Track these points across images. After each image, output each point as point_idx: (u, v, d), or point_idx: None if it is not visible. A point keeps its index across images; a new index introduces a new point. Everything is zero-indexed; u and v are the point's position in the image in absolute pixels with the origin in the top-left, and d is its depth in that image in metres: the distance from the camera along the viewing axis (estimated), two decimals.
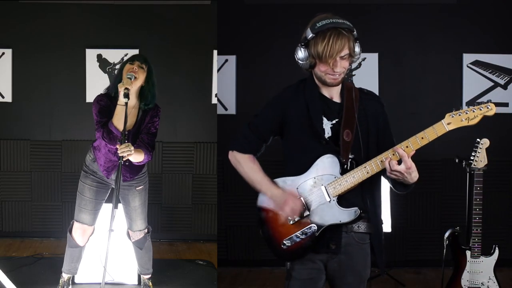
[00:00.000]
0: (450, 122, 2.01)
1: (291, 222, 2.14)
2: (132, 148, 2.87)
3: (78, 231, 3.30)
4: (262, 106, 2.27)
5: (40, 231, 4.87)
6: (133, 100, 3.05)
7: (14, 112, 4.81)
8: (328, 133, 2.13)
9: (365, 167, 2.05)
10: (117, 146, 2.87)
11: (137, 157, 3.01)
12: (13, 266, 3.95)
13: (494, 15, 4.54)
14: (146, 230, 3.42)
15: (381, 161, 2.04)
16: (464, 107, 1.93)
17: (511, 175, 4.58)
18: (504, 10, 4.53)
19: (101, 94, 3.11)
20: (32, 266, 4.06)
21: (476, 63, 4.56)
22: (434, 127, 2.01)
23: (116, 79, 3.06)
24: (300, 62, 2.12)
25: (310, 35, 2.04)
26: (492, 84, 4.56)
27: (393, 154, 2.03)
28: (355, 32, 2.05)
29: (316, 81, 2.16)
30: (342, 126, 2.10)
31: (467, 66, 4.56)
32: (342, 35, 2.01)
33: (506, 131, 4.47)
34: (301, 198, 2.12)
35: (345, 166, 2.09)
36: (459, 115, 2.00)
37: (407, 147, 2.02)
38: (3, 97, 4.79)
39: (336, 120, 2.13)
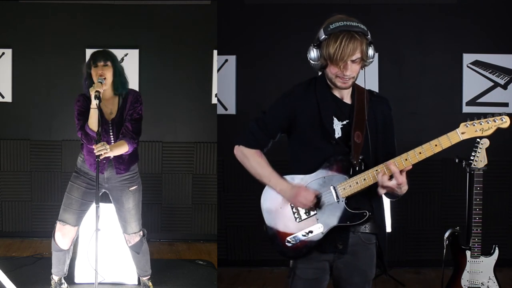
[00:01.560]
0: (464, 132, 2.00)
1: (298, 221, 2.14)
2: (108, 146, 2.93)
3: (59, 233, 3.27)
4: (262, 106, 2.26)
5: (40, 231, 4.86)
6: (109, 92, 3.15)
7: (14, 112, 4.82)
8: (338, 133, 2.12)
9: (376, 170, 2.04)
10: (93, 146, 2.93)
11: (120, 150, 3.09)
12: (13, 266, 3.95)
13: (494, 15, 4.54)
14: (141, 233, 3.41)
15: (393, 165, 2.03)
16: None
17: (511, 175, 4.59)
18: (504, 10, 4.53)
19: (79, 94, 3.19)
20: (32, 266, 4.06)
21: (476, 63, 4.56)
22: (449, 135, 2.01)
23: (86, 81, 3.13)
24: (312, 62, 2.10)
25: (322, 36, 2.02)
26: (492, 84, 4.56)
27: (388, 169, 2.03)
28: (369, 36, 2.03)
29: (328, 81, 2.14)
30: (353, 128, 2.09)
31: (467, 66, 4.56)
32: (354, 38, 1.98)
33: (506, 131, 4.44)
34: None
35: (356, 167, 2.09)
36: (474, 125, 2.00)
37: (420, 153, 2.01)
38: (3, 97, 4.79)
39: (347, 121, 2.13)
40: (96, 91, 2.97)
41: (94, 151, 2.90)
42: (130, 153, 3.19)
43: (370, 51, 2.05)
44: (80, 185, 3.25)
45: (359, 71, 2.08)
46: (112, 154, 3.04)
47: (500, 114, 2.00)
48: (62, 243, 3.30)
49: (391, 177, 2.01)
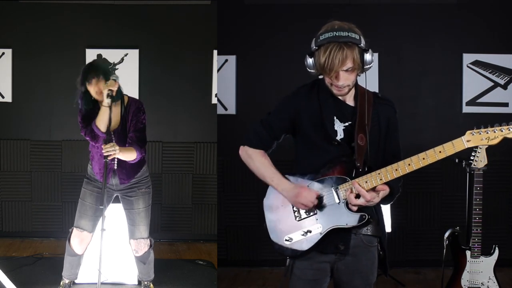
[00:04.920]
0: (469, 140, 1.99)
1: (297, 219, 2.15)
2: (117, 147, 2.91)
3: (76, 240, 3.27)
4: (262, 106, 2.27)
5: (40, 231, 4.87)
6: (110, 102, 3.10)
7: (14, 112, 4.82)
8: (340, 135, 2.12)
9: (378, 174, 2.04)
10: (102, 146, 2.91)
11: (129, 156, 3.06)
12: (13, 266, 3.95)
13: (494, 15, 4.54)
14: (149, 243, 3.39)
15: (396, 170, 2.03)
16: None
17: (511, 175, 4.59)
18: (504, 10, 4.53)
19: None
20: (32, 266, 4.06)
21: (476, 63, 4.56)
22: (453, 143, 1.99)
23: (81, 99, 3.06)
24: (309, 70, 2.11)
25: (314, 47, 2.03)
26: (492, 84, 4.56)
27: (367, 182, 2.04)
28: (362, 44, 2.00)
29: None
30: (356, 130, 2.09)
31: (467, 66, 4.56)
32: (343, 49, 1.97)
33: None
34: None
35: (359, 169, 2.09)
36: (480, 134, 1.99)
37: (423, 158, 2.01)
38: (3, 97, 4.80)
39: (349, 123, 2.13)
40: (109, 89, 2.92)
41: (103, 151, 2.88)
42: (133, 162, 3.16)
43: (368, 57, 2.03)
44: (92, 191, 3.24)
45: (355, 78, 2.07)
46: (120, 156, 3.00)
47: (507, 123, 1.98)
48: (78, 249, 3.30)
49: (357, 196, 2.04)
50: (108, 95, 2.92)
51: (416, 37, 4.58)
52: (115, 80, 2.97)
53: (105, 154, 2.87)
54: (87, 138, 3.10)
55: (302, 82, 2.23)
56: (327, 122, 2.12)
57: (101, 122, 2.99)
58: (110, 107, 2.93)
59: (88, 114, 3.08)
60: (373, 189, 2.05)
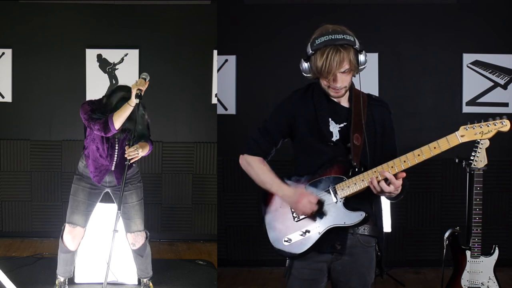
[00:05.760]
0: (463, 135, 2.00)
1: (296, 220, 2.15)
2: (140, 149, 2.92)
3: (69, 236, 3.28)
4: (262, 106, 2.28)
5: (40, 231, 4.87)
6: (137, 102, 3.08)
7: (14, 112, 4.82)
8: (336, 136, 2.14)
9: (374, 172, 2.05)
10: (126, 149, 2.92)
11: (145, 151, 3.08)
12: (13, 266, 3.95)
13: (494, 15, 4.54)
14: (145, 235, 3.40)
15: (392, 167, 2.04)
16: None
17: (511, 175, 4.59)
18: (504, 10, 4.53)
19: (89, 101, 3.14)
20: (32, 266, 4.06)
21: (476, 63, 4.56)
22: (448, 138, 2.00)
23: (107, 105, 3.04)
24: (304, 74, 2.14)
25: (310, 51, 2.05)
26: (492, 84, 4.56)
27: (382, 176, 2.03)
28: (356, 46, 2.03)
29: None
30: (352, 130, 2.11)
31: (467, 66, 4.56)
32: (340, 51, 2.00)
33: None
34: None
35: (355, 169, 2.10)
36: (473, 128, 2.00)
37: (418, 155, 2.02)
38: (3, 97, 4.80)
39: (345, 123, 2.15)
40: (138, 89, 2.85)
41: (125, 155, 2.89)
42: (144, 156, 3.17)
43: (362, 58, 2.06)
44: (84, 187, 3.26)
45: (351, 80, 2.11)
46: (142, 154, 2.99)
47: (500, 117, 2.00)
48: (71, 245, 3.30)
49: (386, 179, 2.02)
50: (137, 95, 2.85)
51: (416, 37, 4.59)
52: (145, 79, 2.91)
53: (128, 157, 2.89)
54: (96, 128, 2.97)
55: (302, 81, 2.24)
56: (322, 124, 2.14)
57: (119, 119, 2.91)
58: (137, 107, 2.88)
59: (95, 108, 3.05)
60: (395, 176, 2.02)
